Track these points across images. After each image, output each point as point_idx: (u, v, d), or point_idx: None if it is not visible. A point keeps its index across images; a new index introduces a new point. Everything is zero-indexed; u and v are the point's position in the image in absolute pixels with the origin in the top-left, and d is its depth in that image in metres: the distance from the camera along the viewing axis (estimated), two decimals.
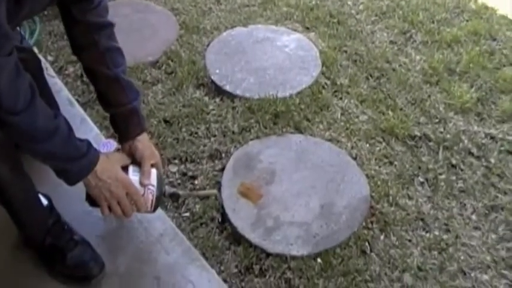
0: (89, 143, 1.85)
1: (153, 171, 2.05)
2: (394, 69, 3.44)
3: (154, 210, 2.07)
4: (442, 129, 3.02)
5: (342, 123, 3.03)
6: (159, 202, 2.07)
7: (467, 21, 3.99)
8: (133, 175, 2.01)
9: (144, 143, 2.10)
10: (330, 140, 2.91)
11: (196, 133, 2.94)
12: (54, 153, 1.75)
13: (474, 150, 2.91)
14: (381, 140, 2.94)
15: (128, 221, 2.24)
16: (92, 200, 1.97)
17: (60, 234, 2.14)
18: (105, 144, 2.25)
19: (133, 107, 2.12)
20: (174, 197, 2.19)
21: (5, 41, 1.55)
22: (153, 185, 2.02)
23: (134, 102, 2.12)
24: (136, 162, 2.07)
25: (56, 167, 1.82)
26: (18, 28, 2.34)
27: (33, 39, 3.33)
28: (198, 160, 2.80)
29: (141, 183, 2.00)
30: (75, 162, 1.80)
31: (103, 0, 2.08)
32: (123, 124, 2.11)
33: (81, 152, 1.80)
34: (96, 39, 2.06)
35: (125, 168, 2.01)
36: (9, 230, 2.14)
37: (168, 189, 2.14)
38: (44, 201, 2.16)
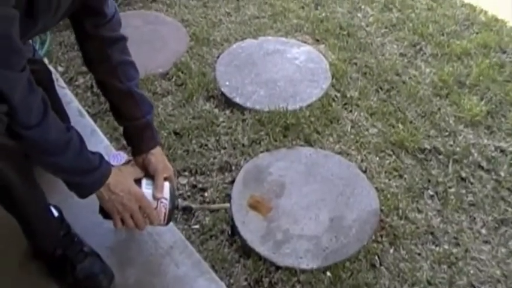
0: (101, 156, 1.86)
1: (166, 184, 2.07)
2: (404, 82, 3.44)
3: (167, 223, 2.09)
4: (451, 142, 3.02)
5: (352, 136, 3.03)
6: (171, 215, 2.08)
7: (477, 33, 3.98)
8: (146, 188, 2.02)
9: (157, 156, 2.11)
10: (339, 153, 2.91)
11: (206, 145, 2.95)
12: (66, 166, 1.76)
13: (484, 164, 2.91)
14: (391, 153, 2.94)
15: (139, 234, 2.25)
16: (105, 213, 1.98)
17: (70, 246, 2.14)
18: (115, 156, 2.26)
19: (147, 120, 2.13)
20: (187, 210, 2.21)
21: (18, 57, 1.56)
22: (165, 198, 2.03)
23: (148, 116, 2.14)
24: (150, 175, 2.08)
25: (68, 180, 1.83)
26: (30, 40, 2.35)
27: (44, 49, 3.34)
28: (208, 172, 2.80)
29: (154, 197, 2.01)
30: (87, 175, 1.81)
31: (116, 14, 2.10)
32: (137, 138, 2.13)
33: (93, 165, 1.81)
34: (108, 53, 2.07)
35: (138, 182, 2.02)
36: (18, 241, 2.14)
37: (181, 202, 2.16)
38: (55, 213, 2.16)
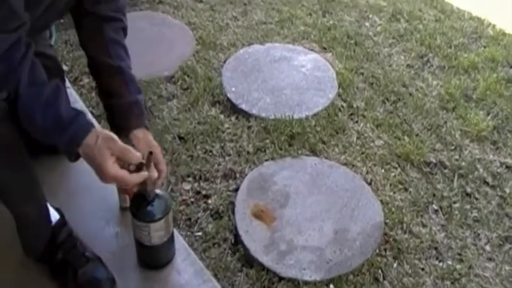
0: (76, 116, 1.70)
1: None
2: (410, 94, 3.44)
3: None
4: (457, 157, 3.01)
5: (358, 147, 3.01)
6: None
7: (484, 47, 3.98)
8: None
9: (140, 137, 1.99)
10: (345, 164, 2.90)
11: (210, 151, 2.93)
12: (37, 122, 1.65)
13: (489, 179, 2.90)
14: (396, 165, 2.93)
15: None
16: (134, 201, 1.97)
17: (72, 250, 2.11)
18: None
19: (135, 99, 2.08)
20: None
21: (9, 15, 1.55)
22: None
23: (137, 96, 2.09)
24: None
25: (45, 140, 1.74)
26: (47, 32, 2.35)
27: None
28: (212, 179, 2.79)
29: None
30: (60, 134, 1.68)
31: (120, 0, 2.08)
32: (122, 116, 2.04)
33: (63, 125, 1.68)
34: (102, 29, 2.03)
35: None
36: (18, 245, 2.12)
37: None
38: (56, 215, 2.14)
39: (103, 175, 1.72)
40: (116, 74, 2.06)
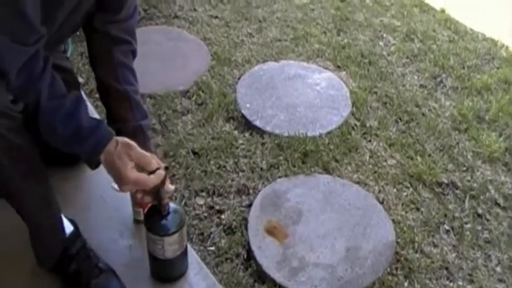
0: (96, 127, 1.75)
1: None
2: (423, 114, 3.45)
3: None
4: (469, 178, 3.02)
5: (370, 166, 3.03)
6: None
7: (497, 68, 3.99)
8: None
9: None
10: (357, 183, 2.91)
11: (224, 167, 2.95)
12: (58, 132, 1.71)
13: (501, 201, 2.91)
14: (409, 185, 2.94)
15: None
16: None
17: (85, 261, 2.13)
18: None
19: (139, 125, 2.11)
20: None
21: (28, 29, 1.59)
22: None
23: (141, 122, 2.12)
24: None
25: (67, 149, 1.77)
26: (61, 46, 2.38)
27: None
28: (226, 194, 2.80)
29: None
30: (80, 143, 1.74)
31: (130, 20, 2.12)
32: None
33: (84, 134, 1.73)
34: (111, 51, 2.09)
35: None
36: (32, 254, 2.14)
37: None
38: (70, 227, 2.16)
39: (123, 180, 1.75)
40: (123, 98, 2.11)
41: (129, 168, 1.74)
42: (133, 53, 2.21)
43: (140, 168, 1.79)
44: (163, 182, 1.86)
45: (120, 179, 1.76)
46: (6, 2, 1.51)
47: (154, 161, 1.82)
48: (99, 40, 2.11)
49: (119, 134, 1.92)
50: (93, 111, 2.99)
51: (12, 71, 1.60)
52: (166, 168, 1.88)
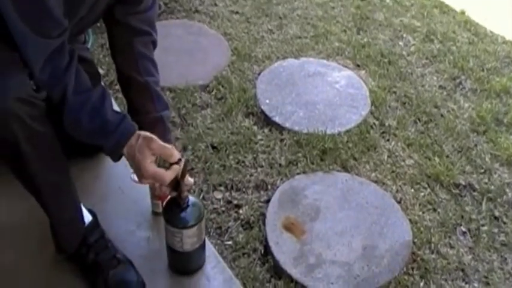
0: (121, 120, 1.80)
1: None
2: (442, 115, 3.45)
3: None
4: (486, 180, 3.02)
5: (388, 166, 3.03)
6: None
7: None
8: None
9: None
10: (375, 182, 2.92)
11: (243, 162, 2.96)
12: (84, 125, 1.76)
13: None
14: (426, 185, 2.94)
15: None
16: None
17: (103, 251, 2.15)
18: None
19: (160, 116, 2.13)
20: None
21: (50, 23, 1.62)
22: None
23: (162, 112, 2.14)
24: None
25: (90, 141, 1.83)
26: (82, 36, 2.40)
27: None
28: (244, 189, 2.81)
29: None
30: (106, 137, 1.79)
31: (150, 11, 2.13)
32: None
33: (109, 129, 1.78)
34: (131, 42, 2.11)
35: None
36: (50, 243, 2.16)
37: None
38: (89, 217, 2.18)
39: (143, 172, 1.79)
40: (144, 90, 2.13)
41: (148, 162, 1.78)
42: (154, 44, 2.22)
43: (162, 161, 1.82)
44: (183, 175, 1.88)
45: (139, 171, 1.80)
46: None
47: (176, 152, 1.85)
48: (120, 32, 2.13)
49: (139, 125, 1.95)
50: (113, 102, 3.00)
51: (36, 64, 1.63)
52: (186, 161, 1.90)
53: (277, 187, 2.83)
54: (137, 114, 2.13)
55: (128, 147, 1.78)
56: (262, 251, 2.54)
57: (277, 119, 3.25)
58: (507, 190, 2.97)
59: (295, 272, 2.43)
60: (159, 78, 2.20)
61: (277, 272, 2.46)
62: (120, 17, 2.08)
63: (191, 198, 2.02)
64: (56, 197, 1.97)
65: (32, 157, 1.76)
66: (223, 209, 2.72)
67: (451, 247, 2.66)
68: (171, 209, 2.01)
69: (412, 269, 2.53)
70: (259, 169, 2.93)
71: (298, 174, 2.92)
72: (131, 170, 1.87)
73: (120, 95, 3.21)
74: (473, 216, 2.81)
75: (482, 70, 3.94)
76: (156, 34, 2.21)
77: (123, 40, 2.14)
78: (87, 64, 2.21)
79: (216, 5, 4.45)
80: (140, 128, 1.97)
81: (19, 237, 2.28)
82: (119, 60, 2.20)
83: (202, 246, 2.17)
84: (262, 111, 3.32)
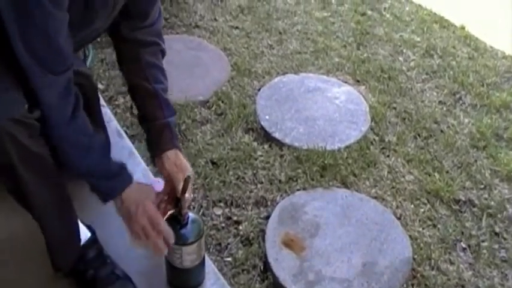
0: (121, 167, 1.90)
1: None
2: (442, 131, 3.45)
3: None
4: (486, 196, 3.01)
5: (388, 182, 3.03)
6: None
7: None
8: None
9: (171, 158, 2.09)
10: (375, 198, 2.92)
11: (243, 178, 2.96)
12: (83, 169, 1.84)
13: None
14: (426, 201, 2.94)
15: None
16: None
17: (102, 267, 2.15)
18: (154, 183, 2.26)
19: (167, 122, 2.14)
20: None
21: (57, 59, 1.61)
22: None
23: (169, 119, 2.14)
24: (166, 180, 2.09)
25: (88, 182, 1.89)
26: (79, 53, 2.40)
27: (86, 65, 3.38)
28: (244, 205, 2.81)
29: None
30: (105, 181, 1.88)
31: (156, 23, 2.14)
32: (155, 138, 2.12)
33: (111, 173, 1.88)
34: (139, 54, 2.12)
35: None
36: (47, 259, 2.16)
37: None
38: (87, 233, 2.18)
39: (132, 223, 1.92)
40: (151, 98, 2.13)
41: (145, 208, 1.91)
42: (162, 52, 2.22)
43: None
44: (184, 192, 1.89)
45: (129, 221, 1.91)
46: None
47: (162, 222, 1.93)
48: (127, 47, 2.14)
49: (148, 132, 2.09)
50: (112, 117, 3.01)
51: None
52: (188, 177, 1.91)
53: (277, 203, 2.82)
54: (146, 120, 2.15)
55: (124, 195, 1.90)
56: (262, 268, 2.53)
57: (277, 135, 3.25)
58: (507, 206, 2.97)
59: None
60: (167, 85, 2.20)
61: None
62: (126, 33, 2.09)
63: (191, 215, 2.03)
64: (51, 216, 1.97)
65: (26, 176, 1.76)
66: (222, 225, 2.72)
67: (451, 263, 2.65)
68: (171, 226, 2.01)
69: (412, 285, 2.53)
70: (259, 185, 2.93)
71: (298, 190, 2.92)
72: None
73: (119, 111, 3.23)
74: (474, 232, 2.81)
75: (482, 85, 3.94)
76: (164, 43, 2.22)
77: (130, 53, 2.14)
78: (84, 78, 2.21)
79: (216, 20, 4.45)
80: (148, 134, 2.11)
81: (19, 252, 2.27)
82: (126, 70, 2.21)
83: (202, 263, 2.17)
84: (262, 127, 3.31)
